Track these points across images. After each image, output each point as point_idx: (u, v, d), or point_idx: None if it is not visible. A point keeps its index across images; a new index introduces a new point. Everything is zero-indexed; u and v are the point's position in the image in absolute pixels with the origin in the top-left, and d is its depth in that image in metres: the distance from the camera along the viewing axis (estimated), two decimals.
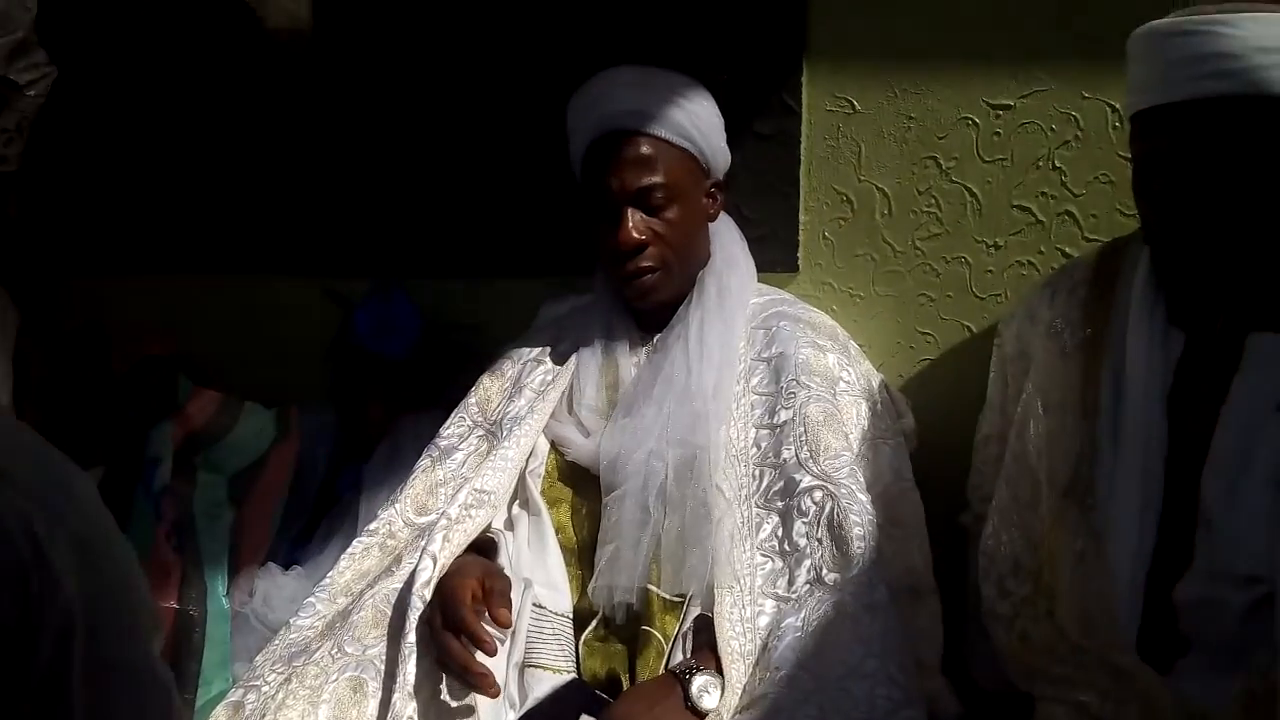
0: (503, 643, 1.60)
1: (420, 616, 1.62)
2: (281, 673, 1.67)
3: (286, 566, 2.14)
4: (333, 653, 1.67)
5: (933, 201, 2.08)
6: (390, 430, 2.20)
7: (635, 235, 1.83)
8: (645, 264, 1.85)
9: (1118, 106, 1.97)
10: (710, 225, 1.96)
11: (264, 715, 1.61)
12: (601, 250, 1.89)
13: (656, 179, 1.83)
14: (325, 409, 2.38)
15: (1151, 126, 1.53)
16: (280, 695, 1.62)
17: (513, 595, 1.69)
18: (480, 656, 1.56)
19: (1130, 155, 1.60)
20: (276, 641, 1.75)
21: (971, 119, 2.04)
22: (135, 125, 2.49)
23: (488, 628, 1.57)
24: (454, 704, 1.62)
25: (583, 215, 1.92)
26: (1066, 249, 2.03)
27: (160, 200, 2.49)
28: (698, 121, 1.88)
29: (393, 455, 2.10)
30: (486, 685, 1.55)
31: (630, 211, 1.83)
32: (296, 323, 2.42)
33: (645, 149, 1.84)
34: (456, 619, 1.57)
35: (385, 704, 1.60)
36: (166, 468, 2.01)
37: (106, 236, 2.56)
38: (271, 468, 2.20)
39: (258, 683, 1.68)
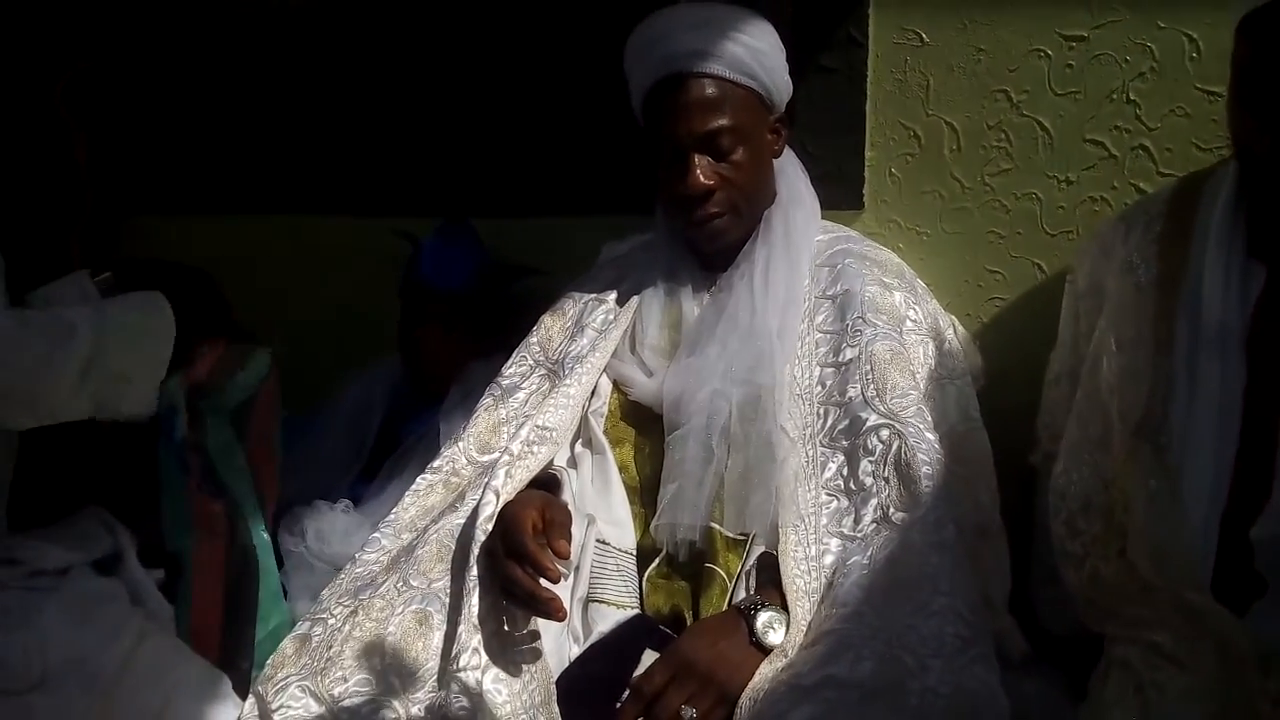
0: (565, 574, 1.60)
1: (482, 548, 1.63)
2: (348, 606, 1.69)
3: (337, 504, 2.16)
4: (398, 586, 1.68)
5: (1003, 136, 2.04)
6: (460, 376, 2.21)
7: (703, 181, 1.80)
8: (713, 209, 1.83)
9: (1195, 36, 1.92)
10: (775, 162, 1.93)
11: (331, 647, 1.64)
12: (667, 196, 1.87)
13: (722, 122, 1.79)
14: (391, 358, 2.39)
15: (1260, 27, 1.47)
16: (347, 628, 1.65)
17: (575, 531, 1.69)
18: (544, 583, 1.56)
19: (1231, 64, 1.55)
20: (342, 576, 1.77)
21: (1043, 50, 1.99)
22: (209, 69, 2.52)
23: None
24: (517, 636, 1.62)
25: (646, 157, 1.90)
26: (1140, 184, 1.98)
27: (232, 140, 2.52)
28: (760, 57, 1.83)
29: (464, 399, 2.10)
30: (555, 609, 1.55)
31: (696, 157, 1.80)
32: (364, 264, 2.44)
33: (709, 90, 1.80)
34: (519, 547, 1.58)
35: (450, 636, 1.61)
36: (183, 418, 2.02)
37: (177, 176, 2.60)
38: (261, 399, 2.18)
39: (324, 616, 1.71)
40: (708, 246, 1.89)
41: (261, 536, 1.97)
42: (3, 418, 1.72)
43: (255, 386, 2.15)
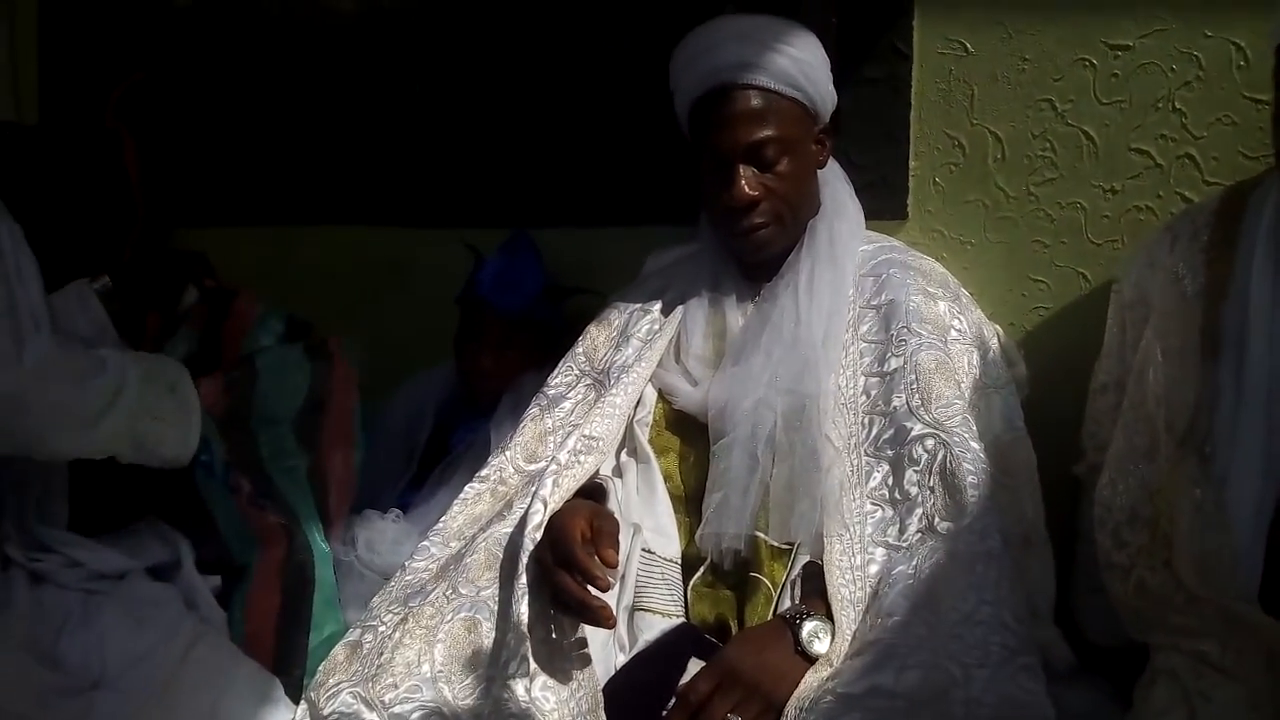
0: (612, 583, 1.62)
1: (530, 556, 1.65)
2: (398, 613, 1.72)
3: (387, 513, 2.18)
4: (447, 594, 1.70)
5: (1048, 145, 2.03)
6: (512, 386, 2.23)
7: (748, 192, 1.81)
8: (758, 220, 1.84)
9: (1242, 45, 1.90)
10: (819, 172, 1.94)
11: (381, 654, 1.66)
12: (712, 207, 1.88)
13: (767, 133, 1.81)
14: (443, 367, 2.42)
15: None
16: (397, 635, 1.67)
17: (622, 540, 1.71)
18: (593, 591, 1.58)
19: (1266, 93, 1.55)
20: (392, 584, 1.80)
21: (1088, 60, 1.99)
22: (263, 80, 2.56)
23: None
24: (565, 644, 1.64)
25: (691, 169, 1.91)
26: (1186, 193, 1.96)
27: (284, 152, 2.57)
28: (805, 68, 1.84)
29: (515, 410, 2.12)
30: (606, 617, 1.57)
31: (742, 168, 1.81)
32: (424, 275, 2.48)
33: (754, 102, 1.81)
34: (568, 555, 1.60)
35: (498, 643, 1.63)
36: (218, 445, 2.04)
37: (230, 188, 2.64)
38: (334, 404, 2.19)
39: (375, 623, 1.73)
40: (753, 257, 1.90)
41: (320, 546, 2.00)
42: (36, 442, 1.77)
43: (305, 386, 2.18)
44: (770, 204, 1.83)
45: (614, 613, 1.60)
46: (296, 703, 1.74)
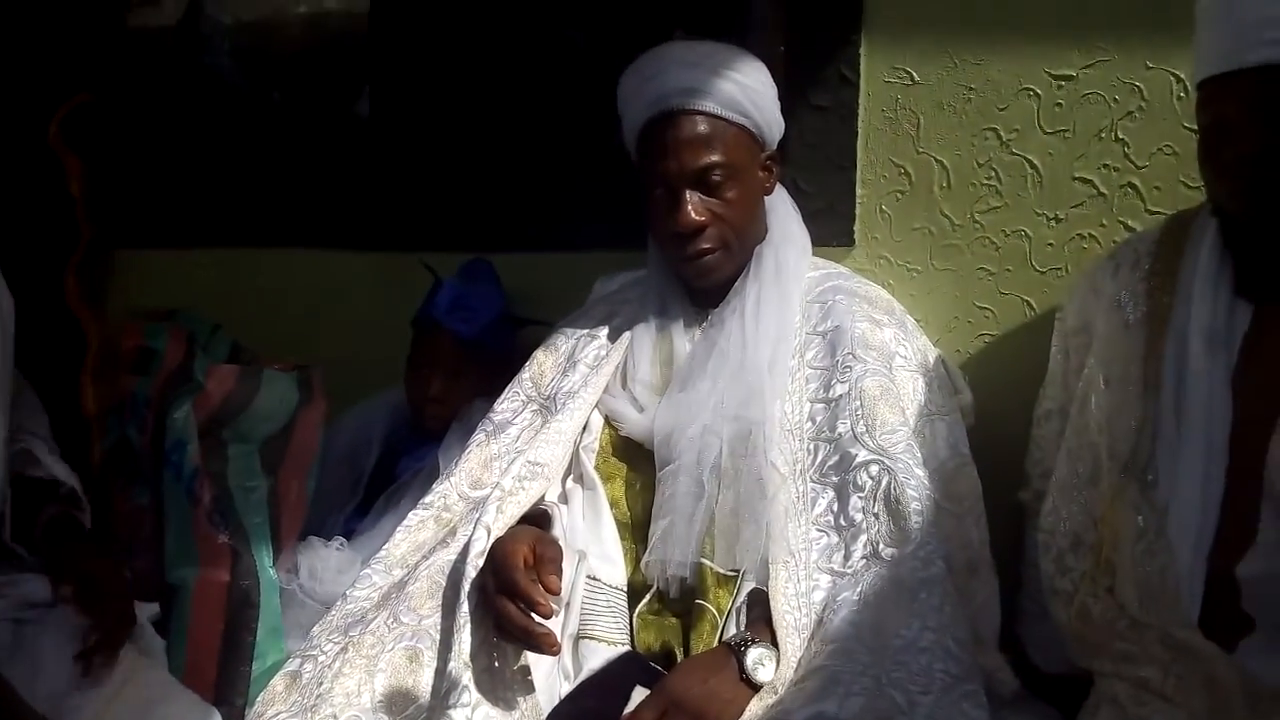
0: (555, 610, 1.60)
1: (473, 584, 1.63)
2: (338, 643, 1.69)
3: (331, 540, 2.16)
4: (389, 623, 1.68)
5: (993, 174, 2.05)
6: (462, 414, 2.21)
7: (695, 218, 1.81)
8: (705, 245, 1.84)
9: (1183, 76, 1.93)
10: (766, 199, 1.94)
11: (321, 684, 1.63)
12: (659, 232, 1.88)
13: (714, 158, 1.81)
14: (386, 389, 2.40)
15: (1221, 93, 1.49)
16: (337, 664, 1.64)
17: (567, 567, 1.69)
18: (536, 618, 1.56)
19: (1197, 125, 1.57)
20: (333, 612, 1.77)
21: (1033, 90, 2.01)
22: (207, 101, 2.55)
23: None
24: (508, 673, 1.62)
25: (638, 194, 1.91)
26: (1129, 222, 1.98)
27: (228, 174, 2.55)
28: (752, 95, 1.85)
29: (464, 437, 2.10)
30: (548, 644, 1.56)
31: (688, 193, 1.81)
32: (373, 299, 2.47)
33: (701, 128, 1.82)
34: (510, 582, 1.58)
35: (440, 673, 1.61)
36: (194, 449, 2.02)
37: (174, 210, 2.62)
38: (299, 430, 2.21)
39: (315, 653, 1.70)
40: (699, 282, 1.90)
41: (268, 573, 1.98)
42: None
43: (287, 415, 2.16)
44: (717, 229, 1.83)
45: (558, 640, 1.59)
46: None
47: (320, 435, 2.23)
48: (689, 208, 1.81)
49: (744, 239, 1.87)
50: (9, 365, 1.83)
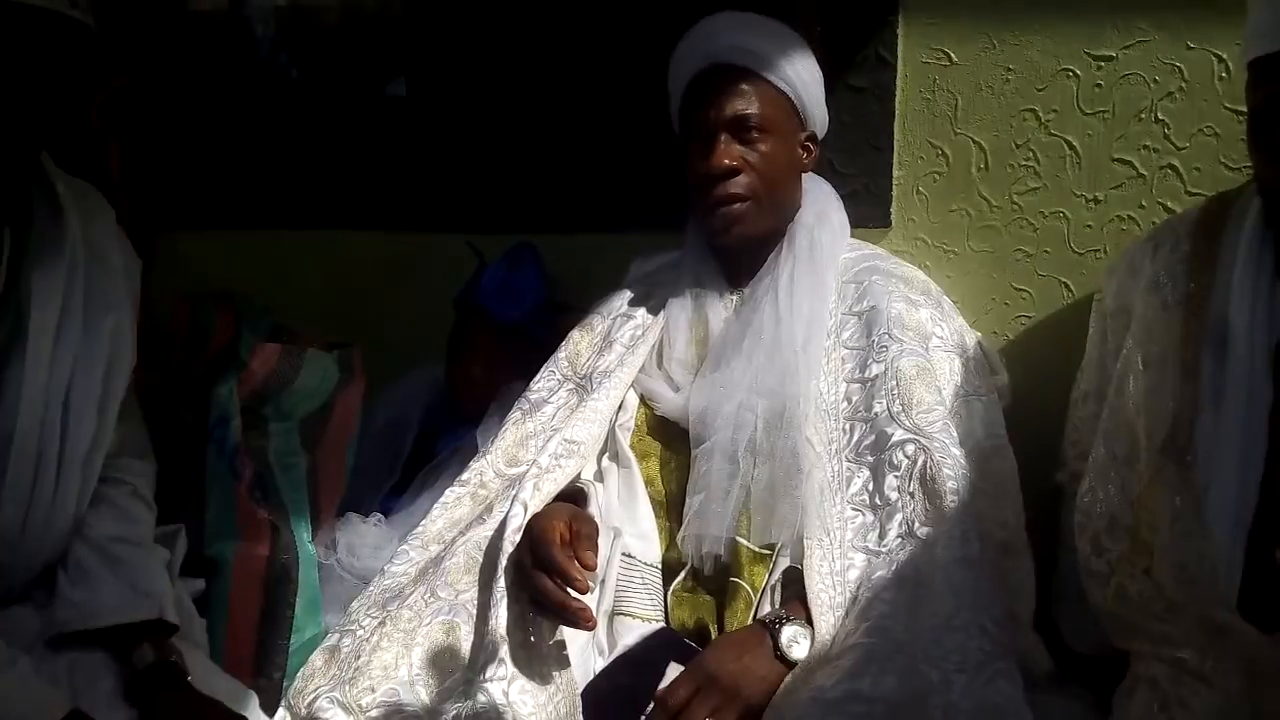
0: (591, 586, 1.61)
1: (510, 559, 1.64)
2: (376, 617, 1.71)
3: (369, 516, 2.17)
4: (426, 598, 1.70)
5: (1031, 155, 2.04)
6: (500, 396, 2.22)
7: (726, 160, 1.82)
8: (734, 190, 1.84)
9: (1224, 56, 1.92)
10: (804, 179, 1.94)
11: (359, 658, 1.65)
12: (691, 178, 1.88)
13: (753, 110, 1.84)
14: (426, 368, 2.41)
15: (1273, 72, 1.47)
16: (375, 638, 1.66)
17: (602, 544, 1.70)
18: (572, 593, 1.57)
19: (1246, 105, 1.55)
20: (371, 588, 1.79)
21: (1072, 70, 2.00)
22: (247, 83, 2.56)
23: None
24: (544, 647, 1.63)
25: (679, 158, 1.92)
26: (1168, 203, 1.98)
27: (268, 155, 2.57)
28: (798, 69, 1.88)
29: (502, 418, 2.12)
30: (585, 618, 1.56)
31: (724, 137, 1.83)
32: (416, 279, 2.48)
33: (745, 84, 1.85)
34: (546, 558, 1.59)
35: (477, 647, 1.63)
36: (236, 425, 2.04)
37: (213, 192, 2.64)
38: (339, 409, 2.22)
39: (353, 627, 1.72)
40: (725, 236, 1.89)
41: (307, 548, 1.99)
42: None
43: (327, 393, 2.18)
44: (748, 177, 1.84)
45: (594, 615, 1.60)
46: (275, 706, 1.73)
47: (359, 414, 2.25)
48: (722, 148, 1.83)
49: (775, 198, 1.88)
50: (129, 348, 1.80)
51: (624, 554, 1.75)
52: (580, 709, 1.58)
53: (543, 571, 1.59)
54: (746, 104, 1.83)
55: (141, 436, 1.91)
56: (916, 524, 1.62)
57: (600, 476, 1.86)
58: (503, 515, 1.73)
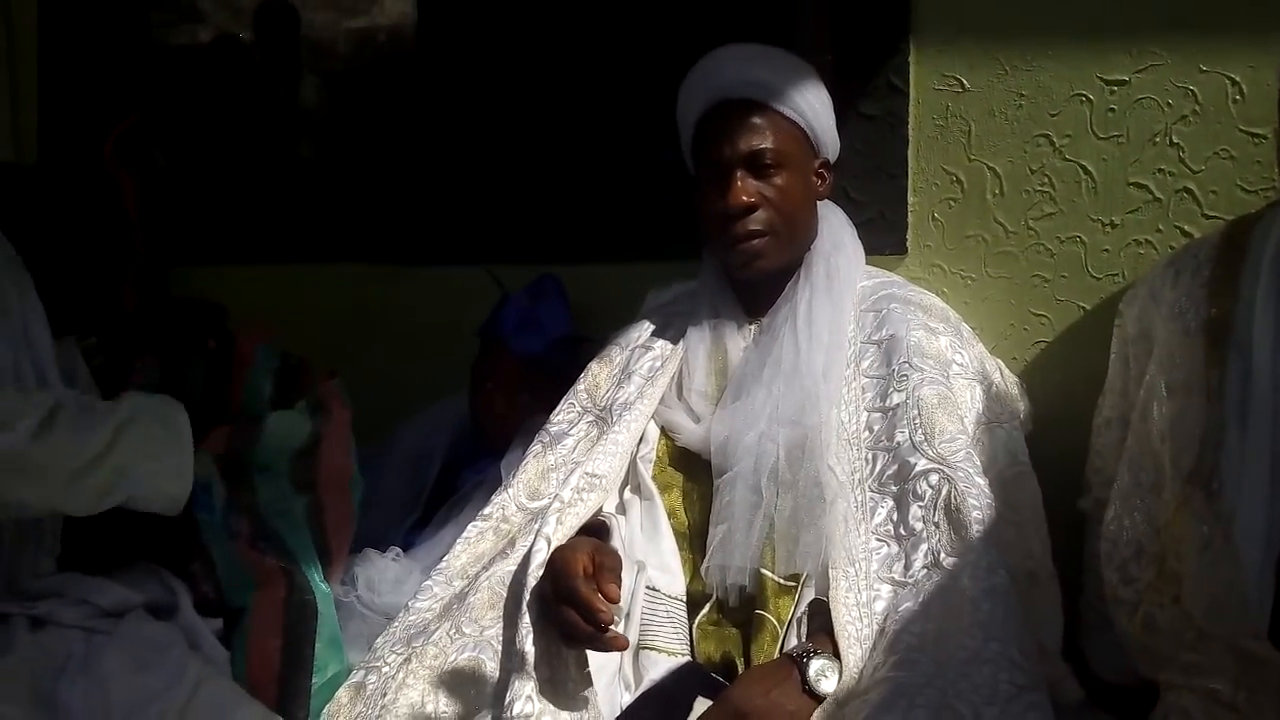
0: (615, 619, 1.61)
1: (533, 594, 1.64)
2: (401, 654, 1.70)
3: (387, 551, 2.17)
4: (450, 634, 1.69)
5: (1046, 180, 2.04)
6: (523, 427, 2.22)
7: (744, 197, 1.82)
8: (753, 227, 1.84)
9: (1237, 79, 1.92)
10: (819, 207, 1.94)
11: (385, 694, 1.65)
12: (707, 218, 1.88)
13: (767, 144, 1.83)
14: (451, 401, 2.41)
15: None
16: (400, 675, 1.66)
17: (626, 578, 1.70)
18: None
19: (1265, 127, 1.55)
20: (395, 624, 1.79)
21: (1085, 95, 2.00)
22: (262, 119, 2.57)
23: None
24: (570, 684, 1.63)
25: (691, 193, 1.92)
26: (1185, 227, 1.97)
27: (283, 190, 2.58)
28: (809, 98, 1.87)
29: (525, 451, 2.12)
30: (618, 643, 1.57)
31: (740, 174, 1.83)
32: (416, 313, 2.48)
33: (756, 118, 1.84)
34: (569, 591, 1.59)
35: (503, 683, 1.62)
36: (218, 488, 2.03)
37: (229, 227, 2.65)
38: (326, 446, 2.18)
39: (378, 664, 1.72)
40: (746, 271, 1.89)
41: (320, 587, 1.98)
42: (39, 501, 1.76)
43: (303, 436, 2.17)
44: (766, 213, 1.84)
45: (625, 638, 1.59)
46: None
47: (350, 443, 2.22)
48: (739, 186, 1.82)
49: (793, 231, 1.88)
50: None
51: (648, 587, 1.74)
52: None
53: (566, 604, 1.59)
54: (760, 138, 1.83)
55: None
56: (942, 554, 1.61)
57: (622, 509, 1.86)
58: (525, 549, 1.73)
